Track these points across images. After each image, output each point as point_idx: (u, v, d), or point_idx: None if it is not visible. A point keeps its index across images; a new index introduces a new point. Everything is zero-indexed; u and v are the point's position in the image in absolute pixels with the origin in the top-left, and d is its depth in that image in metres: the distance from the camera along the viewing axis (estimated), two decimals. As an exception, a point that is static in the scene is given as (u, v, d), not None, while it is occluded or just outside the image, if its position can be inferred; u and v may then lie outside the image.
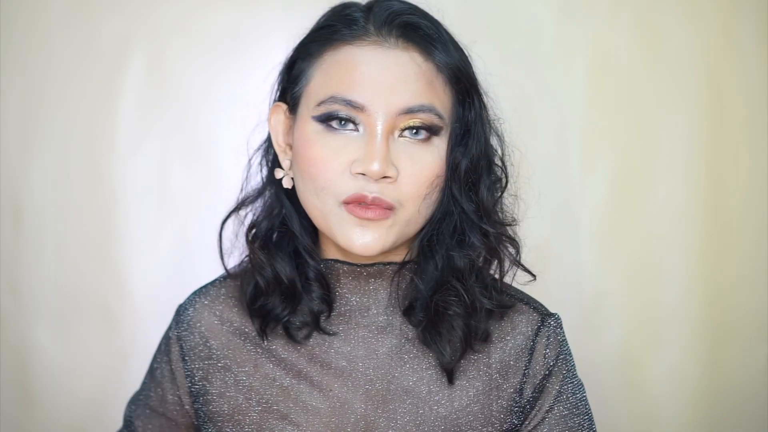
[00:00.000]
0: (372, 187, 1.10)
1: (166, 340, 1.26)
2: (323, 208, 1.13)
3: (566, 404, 1.18)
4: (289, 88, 1.18)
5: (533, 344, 1.20)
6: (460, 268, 1.16)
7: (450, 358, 1.16)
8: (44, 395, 1.82)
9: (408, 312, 1.18)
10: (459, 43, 1.17)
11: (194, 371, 1.21)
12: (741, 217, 1.85)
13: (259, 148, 1.25)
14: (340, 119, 1.11)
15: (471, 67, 1.17)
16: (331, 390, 1.16)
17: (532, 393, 1.19)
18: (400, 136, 1.11)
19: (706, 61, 1.83)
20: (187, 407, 1.23)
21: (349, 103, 1.10)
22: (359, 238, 1.11)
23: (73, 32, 1.78)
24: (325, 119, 1.11)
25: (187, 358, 1.22)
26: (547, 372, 1.19)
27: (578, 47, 1.82)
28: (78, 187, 1.80)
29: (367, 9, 1.15)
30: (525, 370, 1.19)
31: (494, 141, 1.21)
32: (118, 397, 1.75)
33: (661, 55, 1.83)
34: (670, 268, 1.86)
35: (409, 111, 1.10)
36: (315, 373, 1.16)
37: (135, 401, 1.29)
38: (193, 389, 1.22)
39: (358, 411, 1.15)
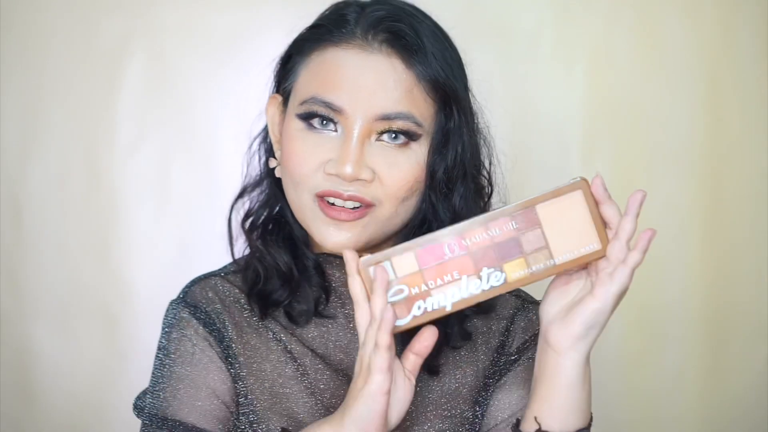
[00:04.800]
0: (346, 187, 1.11)
1: (176, 321, 1.20)
2: (299, 202, 1.15)
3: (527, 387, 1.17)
4: (283, 81, 1.20)
5: (509, 326, 1.23)
6: None
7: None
8: (44, 395, 1.82)
9: None
10: (451, 49, 1.18)
11: (221, 334, 1.17)
12: (741, 217, 1.86)
13: (257, 136, 1.27)
14: (321, 118, 1.12)
15: (456, 77, 1.16)
16: (330, 382, 1.16)
17: (500, 374, 1.21)
18: (378, 139, 1.12)
19: (705, 60, 1.83)
20: (225, 364, 1.17)
21: (328, 105, 1.11)
22: (333, 236, 1.13)
23: (73, 31, 1.79)
24: (306, 118, 1.13)
25: (207, 325, 1.17)
26: (516, 354, 1.21)
27: (578, 47, 1.83)
28: (78, 187, 1.80)
29: (361, 10, 1.16)
30: (500, 349, 1.22)
31: (483, 150, 1.22)
32: (118, 397, 1.75)
33: (661, 55, 1.83)
34: (670, 268, 1.86)
35: (386, 117, 1.11)
36: (313, 365, 1.17)
37: (154, 395, 1.17)
38: (225, 350, 1.17)
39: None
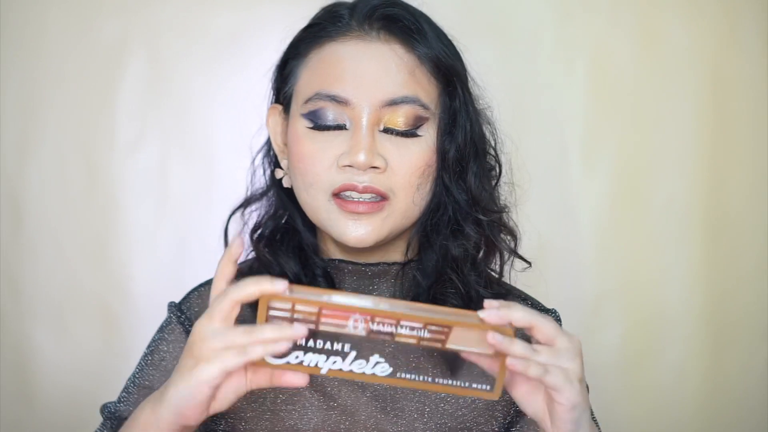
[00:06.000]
0: (361, 177, 1.11)
1: (165, 324, 1.21)
2: (313, 203, 1.14)
3: None
4: (282, 87, 1.20)
5: (528, 336, 1.20)
6: (455, 258, 1.17)
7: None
8: (44, 395, 1.82)
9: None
10: (444, 33, 1.19)
11: None
12: (742, 217, 1.86)
13: (260, 150, 1.26)
14: (329, 119, 1.12)
15: (455, 57, 1.18)
16: (339, 395, 1.15)
17: None
18: (385, 133, 1.13)
19: (706, 60, 1.83)
20: None
21: (334, 98, 1.11)
22: (353, 230, 1.12)
23: (72, 31, 1.79)
24: (313, 115, 1.13)
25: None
26: None
27: (578, 47, 1.83)
28: (77, 187, 1.80)
29: (353, 5, 1.17)
30: None
31: (486, 130, 1.22)
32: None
33: (662, 54, 1.83)
34: (670, 268, 1.86)
35: (393, 102, 1.11)
36: (324, 379, 1.16)
37: (120, 395, 1.21)
38: None
39: (365, 414, 1.15)
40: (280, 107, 1.20)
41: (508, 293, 1.22)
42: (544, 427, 0.99)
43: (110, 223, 1.81)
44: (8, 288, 1.81)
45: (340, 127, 1.12)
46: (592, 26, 1.82)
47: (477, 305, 1.17)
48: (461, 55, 1.20)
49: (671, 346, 1.86)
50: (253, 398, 1.16)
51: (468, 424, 1.17)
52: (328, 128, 1.13)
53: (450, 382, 0.96)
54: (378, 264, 1.19)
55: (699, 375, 1.87)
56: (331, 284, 1.19)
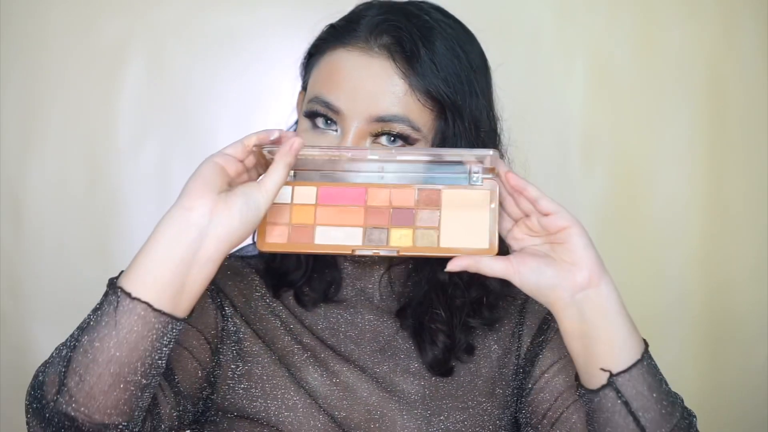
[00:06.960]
0: None
1: None
2: None
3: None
4: (303, 80, 1.22)
5: (524, 304, 1.23)
6: (441, 282, 1.18)
7: (431, 363, 1.18)
8: (44, 395, 1.82)
9: (400, 314, 1.21)
10: (464, 57, 1.17)
11: (223, 305, 1.18)
12: (741, 217, 1.86)
13: (289, 128, 1.28)
14: (324, 118, 1.13)
15: (456, 87, 1.15)
16: (341, 371, 1.17)
17: (529, 344, 1.21)
18: (375, 141, 1.13)
19: (705, 60, 1.84)
20: (211, 332, 1.15)
21: (328, 105, 1.12)
22: None
23: (73, 32, 1.79)
24: (310, 116, 1.15)
25: (214, 292, 1.17)
26: (543, 324, 1.21)
27: (578, 47, 1.83)
28: (78, 187, 1.80)
29: (377, 12, 1.17)
30: (519, 327, 1.22)
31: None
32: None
33: (661, 54, 1.84)
34: (669, 268, 1.86)
35: (382, 120, 1.12)
36: (326, 357, 1.17)
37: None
38: (221, 315, 1.17)
39: (367, 392, 1.16)
40: (304, 93, 1.22)
41: (502, 314, 1.23)
42: (569, 284, 1.01)
43: (111, 223, 1.81)
44: (9, 288, 1.81)
45: (331, 133, 1.13)
46: (592, 26, 1.83)
47: (461, 329, 1.19)
48: (479, 75, 1.18)
49: (670, 345, 1.86)
50: (269, 356, 1.17)
51: (469, 403, 1.18)
52: (320, 132, 1.14)
53: (446, 244, 1.03)
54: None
55: (698, 373, 1.87)
56: (337, 269, 1.20)
